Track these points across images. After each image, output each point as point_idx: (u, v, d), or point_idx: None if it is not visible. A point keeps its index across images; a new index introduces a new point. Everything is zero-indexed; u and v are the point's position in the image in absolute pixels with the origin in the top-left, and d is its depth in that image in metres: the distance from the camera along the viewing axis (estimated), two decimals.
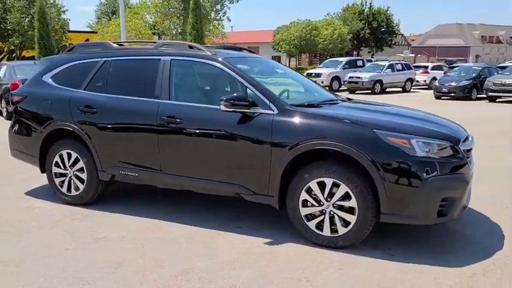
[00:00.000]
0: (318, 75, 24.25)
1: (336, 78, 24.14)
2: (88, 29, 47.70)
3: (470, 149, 3.99)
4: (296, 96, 4.74)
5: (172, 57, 4.54)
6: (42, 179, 5.30)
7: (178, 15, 35.62)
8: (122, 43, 5.44)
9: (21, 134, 5.26)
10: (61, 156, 4.95)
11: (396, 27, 63.32)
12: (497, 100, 18.88)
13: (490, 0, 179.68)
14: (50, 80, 5.14)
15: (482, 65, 23.89)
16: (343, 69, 24.55)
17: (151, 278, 3.36)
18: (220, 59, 4.38)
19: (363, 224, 3.68)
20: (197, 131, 4.23)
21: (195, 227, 4.32)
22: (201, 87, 4.94)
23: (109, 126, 4.66)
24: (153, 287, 3.23)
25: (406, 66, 24.58)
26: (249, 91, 4.12)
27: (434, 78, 26.23)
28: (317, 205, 3.83)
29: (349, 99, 5.03)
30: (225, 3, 36.20)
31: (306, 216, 3.89)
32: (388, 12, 62.54)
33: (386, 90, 23.70)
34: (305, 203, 3.88)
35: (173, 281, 3.30)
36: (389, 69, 23.26)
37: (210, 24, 35.60)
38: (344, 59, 25.85)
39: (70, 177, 4.94)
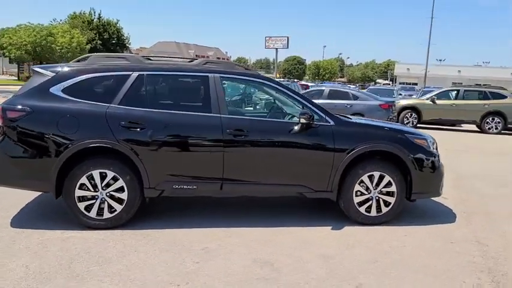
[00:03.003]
0: None
1: None
2: None
3: None
4: None
5: (221, 75, 4.90)
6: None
7: None
8: (150, 57, 5.22)
9: (22, 156, 4.48)
10: (90, 177, 4.53)
11: (127, 40, 64.73)
12: None
13: (199, 21, 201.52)
14: (62, 93, 4.59)
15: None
16: None
17: (309, 267, 3.95)
18: (272, 79, 5.05)
19: (400, 203, 5.11)
20: (265, 142, 4.81)
21: (261, 228, 4.83)
22: (253, 103, 5.36)
23: (164, 141, 4.63)
24: (323, 270, 3.86)
25: None
26: (305, 107, 4.97)
27: None
28: (366, 193, 5.03)
29: None
30: None
31: (357, 203, 5.04)
32: (118, 25, 63.25)
33: None
34: (357, 193, 5.02)
35: (330, 266, 4.00)
36: None
37: None
38: None
39: (102, 199, 4.58)
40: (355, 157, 4.92)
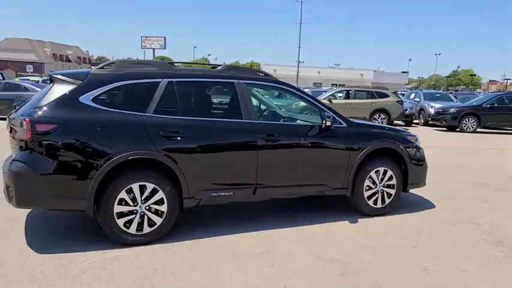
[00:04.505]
0: None
1: None
2: None
3: None
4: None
5: (246, 81, 4.97)
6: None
7: None
8: (175, 63, 4.96)
9: (55, 173, 4.05)
10: (129, 191, 4.30)
11: None
12: None
13: (60, 20, 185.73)
14: (92, 102, 4.26)
15: None
16: None
17: (368, 258, 4.32)
18: (292, 85, 5.28)
19: (399, 194, 5.73)
20: (293, 145, 5.01)
21: (287, 228, 5.01)
22: (277, 108, 5.43)
23: (203, 149, 4.57)
24: (383, 260, 4.26)
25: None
26: (322, 111, 5.29)
27: None
28: (373, 187, 5.56)
29: None
30: None
31: (367, 197, 5.53)
32: None
33: None
34: (366, 188, 5.52)
35: (383, 255, 4.41)
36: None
37: None
38: None
39: (141, 213, 4.37)
40: (367, 154, 5.39)
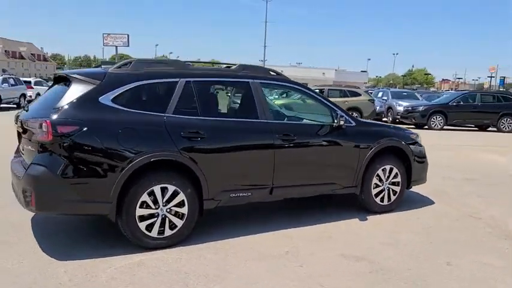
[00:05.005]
0: None
1: None
2: None
3: None
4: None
5: (260, 81, 4.94)
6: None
7: None
8: (190, 62, 4.83)
9: (77, 176, 3.89)
10: (151, 194, 4.20)
11: None
12: None
13: (12, 16, 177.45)
14: (112, 102, 4.12)
15: None
16: None
17: (389, 254, 4.39)
18: (303, 84, 5.29)
19: (403, 191, 5.86)
20: (308, 144, 5.04)
21: (299, 228, 5.01)
22: (290, 108, 5.39)
23: (223, 150, 4.51)
24: (404, 256, 4.35)
25: (18, 81, 23.39)
26: (333, 111, 5.34)
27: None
28: (381, 185, 5.66)
29: None
30: None
31: (374, 195, 5.63)
32: None
33: (1, 106, 21.79)
34: (374, 186, 5.61)
35: (403, 251, 4.50)
36: (6, 84, 21.61)
37: None
38: None
39: (163, 215, 4.28)
40: (375, 153, 5.47)
